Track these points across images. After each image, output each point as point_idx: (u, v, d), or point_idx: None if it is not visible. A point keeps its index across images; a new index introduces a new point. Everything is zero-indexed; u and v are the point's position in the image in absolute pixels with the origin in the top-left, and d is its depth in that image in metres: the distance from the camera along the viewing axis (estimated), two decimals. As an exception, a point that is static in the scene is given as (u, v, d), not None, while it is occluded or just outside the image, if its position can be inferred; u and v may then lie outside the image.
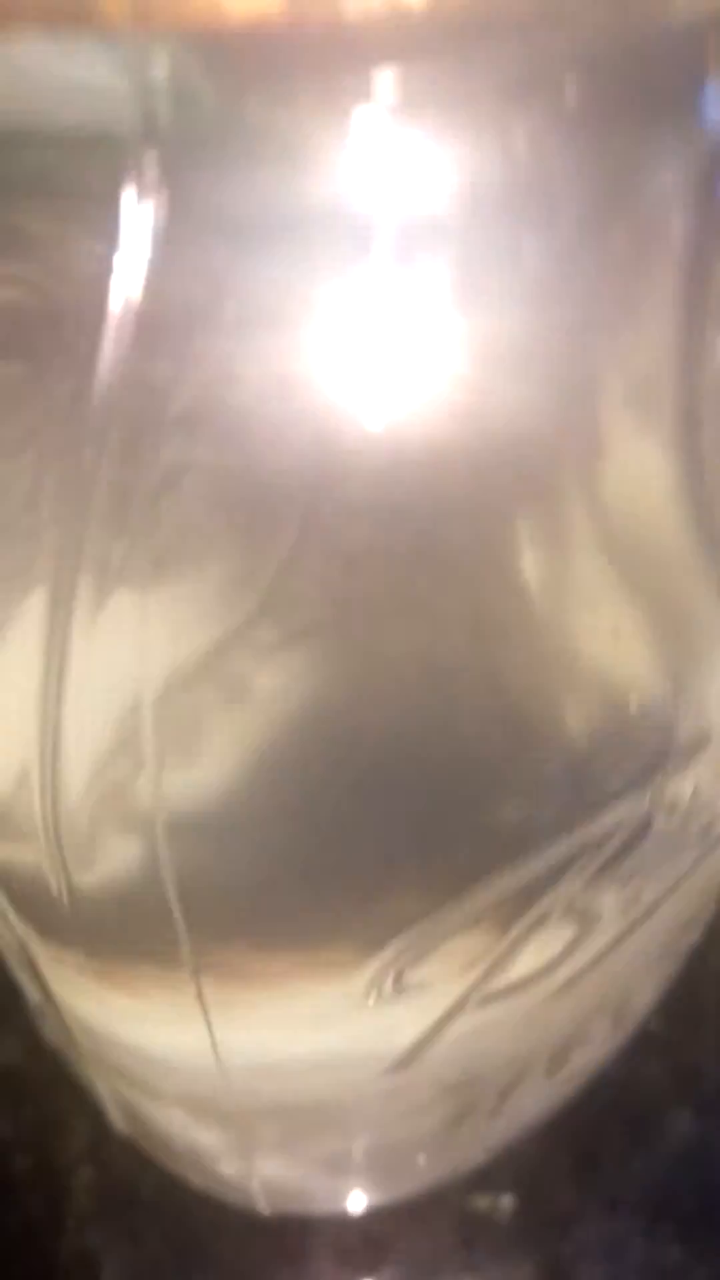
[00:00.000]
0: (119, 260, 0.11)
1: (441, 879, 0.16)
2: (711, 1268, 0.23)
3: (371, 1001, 0.17)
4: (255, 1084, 0.20)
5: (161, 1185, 0.25)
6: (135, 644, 0.13)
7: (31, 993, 0.21)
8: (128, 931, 0.17)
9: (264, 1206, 0.23)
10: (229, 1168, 0.23)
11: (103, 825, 0.15)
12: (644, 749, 0.16)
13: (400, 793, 0.15)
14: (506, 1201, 0.25)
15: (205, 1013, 0.18)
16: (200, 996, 0.17)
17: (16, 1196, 0.26)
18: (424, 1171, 0.23)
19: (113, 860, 0.16)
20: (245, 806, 0.15)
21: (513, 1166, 0.25)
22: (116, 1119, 0.24)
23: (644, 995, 0.23)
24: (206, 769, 0.15)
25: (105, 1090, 0.24)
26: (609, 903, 0.18)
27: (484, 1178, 0.24)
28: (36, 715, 0.14)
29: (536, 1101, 0.23)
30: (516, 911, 0.17)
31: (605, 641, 0.15)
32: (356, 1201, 0.24)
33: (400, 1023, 0.18)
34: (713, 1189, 0.24)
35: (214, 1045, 0.18)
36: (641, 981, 0.22)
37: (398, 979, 0.17)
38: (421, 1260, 0.24)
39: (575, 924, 0.18)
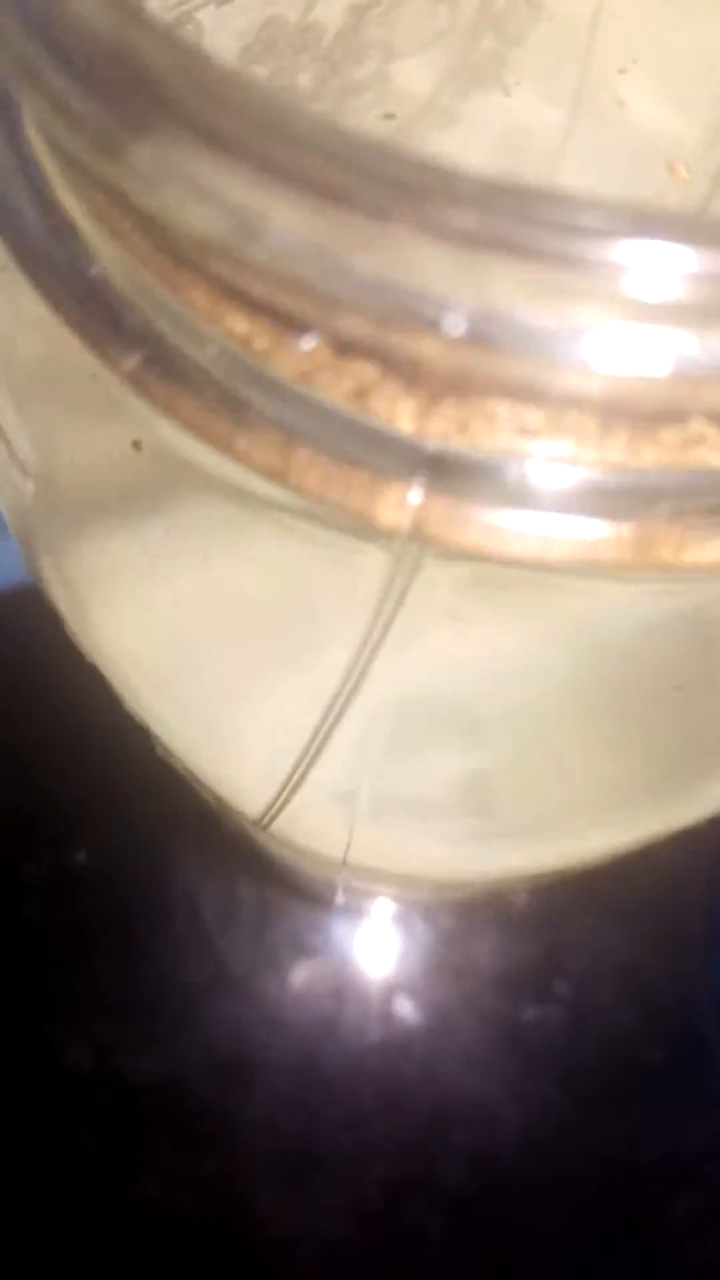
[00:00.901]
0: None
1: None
2: (666, 966, 0.31)
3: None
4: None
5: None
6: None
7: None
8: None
9: (340, 903, 0.30)
10: (321, 883, 0.28)
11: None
12: None
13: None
14: (521, 897, 0.32)
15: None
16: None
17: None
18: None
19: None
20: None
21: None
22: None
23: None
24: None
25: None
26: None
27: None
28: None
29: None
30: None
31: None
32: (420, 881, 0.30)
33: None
34: (684, 911, 0.31)
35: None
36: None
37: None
38: (450, 927, 0.32)
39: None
